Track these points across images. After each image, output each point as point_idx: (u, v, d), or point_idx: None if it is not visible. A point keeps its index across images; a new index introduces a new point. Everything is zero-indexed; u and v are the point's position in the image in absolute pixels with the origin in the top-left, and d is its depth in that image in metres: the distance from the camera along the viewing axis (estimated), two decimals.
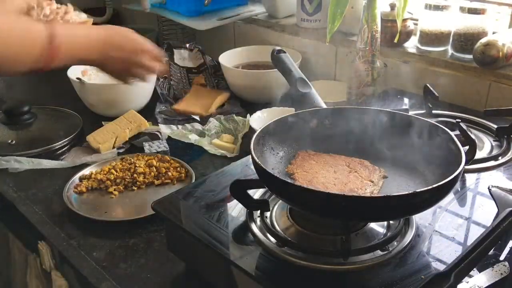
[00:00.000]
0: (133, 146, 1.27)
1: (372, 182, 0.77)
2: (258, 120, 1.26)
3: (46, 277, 1.07)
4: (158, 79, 1.48)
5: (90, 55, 0.86)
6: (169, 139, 1.26)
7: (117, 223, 0.96)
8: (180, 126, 1.29)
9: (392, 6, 1.31)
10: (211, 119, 1.32)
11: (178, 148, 1.24)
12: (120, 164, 1.14)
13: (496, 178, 0.89)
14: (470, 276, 0.64)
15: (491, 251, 0.66)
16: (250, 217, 0.75)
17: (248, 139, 1.22)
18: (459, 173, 0.66)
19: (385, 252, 0.67)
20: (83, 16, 1.00)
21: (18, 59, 0.76)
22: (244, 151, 1.21)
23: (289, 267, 0.66)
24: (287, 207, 0.76)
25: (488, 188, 0.80)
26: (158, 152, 1.18)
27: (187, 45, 1.59)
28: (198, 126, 1.30)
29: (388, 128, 0.83)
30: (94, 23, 2.28)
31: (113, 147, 1.24)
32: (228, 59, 1.52)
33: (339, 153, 0.84)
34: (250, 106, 1.42)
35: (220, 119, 1.32)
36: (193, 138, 1.23)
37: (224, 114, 1.37)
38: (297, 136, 0.85)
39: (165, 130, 1.26)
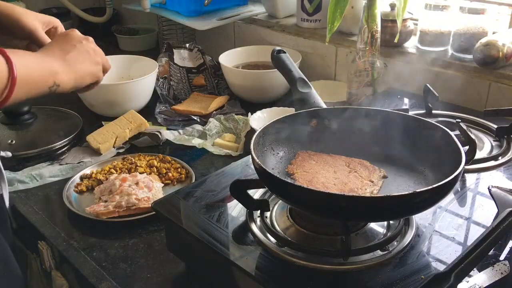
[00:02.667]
0: (133, 146, 1.27)
1: (372, 182, 0.77)
2: (258, 120, 1.26)
3: (46, 277, 1.07)
4: (158, 79, 1.48)
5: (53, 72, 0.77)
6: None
7: (117, 223, 0.96)
8: (181, 131, 1.28)
9: (392, 6, 1.31)
10: (211, 119, 1.32)
11: (178, 149, 1.24)
12: (121, 163, 1.14)
13: (496, 178, 0.89)
14: (470, 276, 0.64)
15: (491, 251, 0.66)
16: (250, 217, 0.75)
17: (249, 139, 1.23)
18: (459, 173, 0.66)
19: (385, 252, 0.67)
20: None
21: None
22: (245, 151, 1.21)
23: (289, 267, 0.66)
24: (287, 207, 0.76)
25: (488, 188, 0.80)
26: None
27: (187, 45, 1.59)
28: (198, 127, 1.30)
29: (388, 128, 0.83)
30: (94, 23, 2.28)
31: (113, 147, 1.24)
32: (228, 59, 1.52)
33: (339, 153, 0.84)
34: (250, 106, 1.42)
35: (220, 118, 1.32)
36: (196, 142, 1.23)
37: (224, 114, 1.37)
38: (297, 136, 0.85)
39: (167, 135, 1.26)
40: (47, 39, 0.92)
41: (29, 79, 0.72)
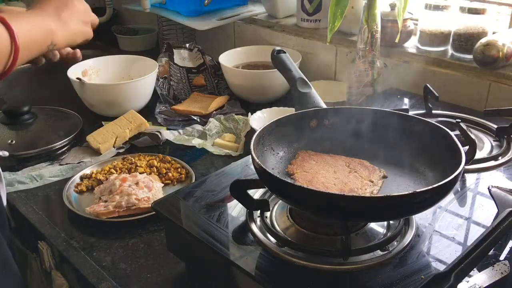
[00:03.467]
0: (133, 146, 1.27)
1: (372, 182, 0.77)
2: (258, 120, 1.26)
3: (46, 277, 1.07)
4: (158, 79, 1.48)
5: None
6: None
7: (117, 223, 0.96)
8: (181, 131, 1.29)
9: (392, 6, 1.31)
10: (211, 119, 1.32)
11: (178, 149, 1.24)
12: (121, 163, 1.14)
13: (496, 178, 0.89)
14: (470, 276, 0.64)
15: (491, 251, 0.66)
16: (250, 217, 0.75)
17: (249, 139, 1.23)
18: (459, 173, 0.66)
19: (385, 252, 0.67)
20: None
21: None
22: (245, 151, 1.21)
23: (289, 267, 0.66)
24: (287, 207, 0.76)
25: (488, 188, 0.80)
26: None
27: (187, 45, 1.59)
28: (199, 127, 1.30)
29: (388, 128, 0.83)
30: None
31: (113, 147, 1.24)
32: (228, 59, 1.52)
33: (339, 153, 0.84)
34: (250, 106, 1.42)
35: (220, 119, 1.32)
36: (196, 142, 1.23)
37: (224, 114, 1.37)
38: (297, 136, 0.85)
39: (167, 135, 1.26)
40: None
41: (30, 43, 0.73)
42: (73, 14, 0.82)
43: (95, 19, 0.89)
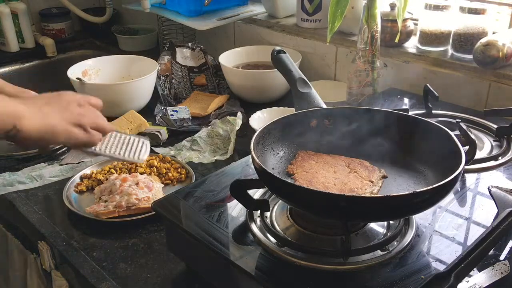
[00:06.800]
0: None
1: (372, 182, 0.77)
2: (258, 120, 1.26)
3: (46, 277, 1.07)
4: (159, 77, 1.48)
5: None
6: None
7: (117, 223, 0.96)
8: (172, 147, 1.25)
9: (392, 6, 1.31)
10: (204, 128, 1.29)
11: None
12: (121, 164, 1.14)
13: (496, 178, 0.89)
14: (470, 276, 0.64)
15: (491, 251, 0.66)
16: (250, 217, 0.75)
17: (246, 139, 1.22)
18: (459, 173, 0.66)
19: (385, 252, 0.67)
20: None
21: None
22: (237, 151, 1.21)
23: (289, 267, 0.66)
24: (287, 207, 0.76)
25: (488, 188, 0.80)
26: None
27: (189, 44, 1.60)
28: (186, 143, 1.25)
29: (388, 128, 0.83)
30: (94, 23, 2.27)
31: None
32: (228, 59, 1.52)
33: (339, 153, 0.84)
34: (250, 106, 1.42)
35: (217, 123, 1.29)
36: (182, 156, 1.20)
37: (223, 114, 1.36)
38: (297, 136, 0.85)
39: (166, 136, 1.27)
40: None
41: None
42: (60, 111, 0.78)
43: (99, 125, 0.83)
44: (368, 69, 1.21)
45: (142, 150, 0.90)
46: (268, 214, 0.76)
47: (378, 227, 0.73)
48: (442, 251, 0.69)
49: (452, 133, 0.75)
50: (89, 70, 1.48)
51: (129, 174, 1.08)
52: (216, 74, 1.59)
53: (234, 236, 0.73)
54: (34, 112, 0.75)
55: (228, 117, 1.30)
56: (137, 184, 1.02)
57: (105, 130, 0.85)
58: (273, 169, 0.80)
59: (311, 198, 0.64)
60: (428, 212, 0.76)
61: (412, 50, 1.34)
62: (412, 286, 0.62)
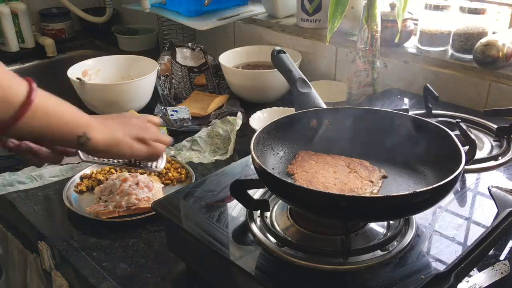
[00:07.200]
0: None
1: (372, 182, 0.77)
2: (258, 120, 1.26)
3: (46, 277, 1.07)
4: (159, 77, 1.48)
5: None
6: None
7: (117, 223, 0.96)
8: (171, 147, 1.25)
9: (392, 6, 1.31)
10: (204, 128, 1.29)
11: None
12: None
13: (496, 178, 0.89)
14: (470, 276, 0.64)
15: (491, 251, 0.66)
16: (250, 217, 0.75)
17: (246, 139, 1.22)
18: (459, 173, 0.66)
19: (385, 252, 0.67)
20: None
21: None
22: (237, 151, 1.21)
23: (289, 267, 0.66)
24: (287, 207, 0.76)
25: (488, 188, 0.80)
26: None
27: (190, 44, 1.60)
28: (186, 143, 1.25)
29: (388, 128, 0.83)
30: (94, 23, 2.27)
31: None
32: (228, 59, 1.52)
33: (339, 153, 0.84)
34: (250, 106, 1.42)
35: (217, 123, 1.29)
36: (183, 156, 1.20)
37: (223, 114, 1.36)
38: (297, 136, 0.85)
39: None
40: None
41: (54, 117, 0.69)
42: (122, 126, 0.80)
43: (159, 139, 0.84)
44: (368, 69, 1.21)
45: (159, 159, 0.91)
46: (268, 214, 0.76)
47: (378, 227, 0.73)
48: (442, 251, 0.69)
49: (452, 133, 0.75)
50: (89, 70, 1.48)
51: (129, 174, 1.08)
52: (216, 74, 1.59)
53: (234, 236, 0.73)
54: (100, 124, 0.76)
55: (228, 117, 1.30)
56: (137, 184, 1.02)
57: (165, 143, 0.87)
58: (273, 169, 0.80)
59: (311, 198, 0.64)
60: (428, 212, 0.76)
61: (412, 50, 1.34)
62: (412, 286, 0.62)
